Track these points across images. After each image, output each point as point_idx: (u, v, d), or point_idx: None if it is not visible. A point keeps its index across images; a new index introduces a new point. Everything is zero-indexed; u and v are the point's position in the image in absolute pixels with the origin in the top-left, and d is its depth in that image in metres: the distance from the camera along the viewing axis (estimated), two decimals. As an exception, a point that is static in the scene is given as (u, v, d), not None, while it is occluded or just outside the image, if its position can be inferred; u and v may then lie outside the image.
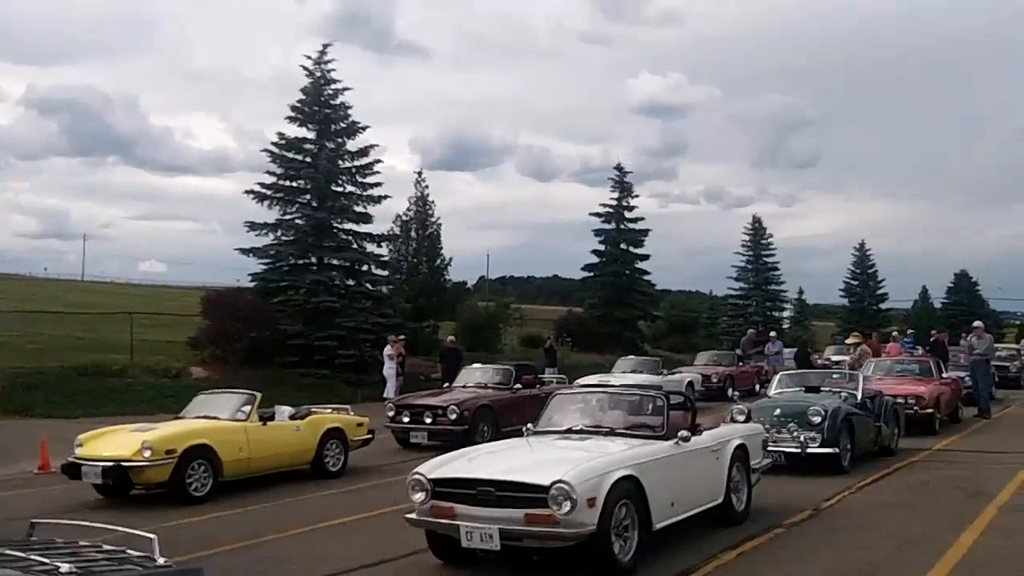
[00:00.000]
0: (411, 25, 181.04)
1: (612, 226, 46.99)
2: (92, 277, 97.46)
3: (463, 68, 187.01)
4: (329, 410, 14.67)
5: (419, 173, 36.57)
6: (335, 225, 30.35)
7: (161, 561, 4.52)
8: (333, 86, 30.25)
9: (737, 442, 9.66)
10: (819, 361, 23.51)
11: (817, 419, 12.80)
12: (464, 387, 18.06)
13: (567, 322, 44.61)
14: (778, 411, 13.24)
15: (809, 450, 12.63)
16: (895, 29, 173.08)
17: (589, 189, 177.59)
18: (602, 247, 47.08)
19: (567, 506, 7.15)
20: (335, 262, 30.25)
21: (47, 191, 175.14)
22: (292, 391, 26.46)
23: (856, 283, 70.18)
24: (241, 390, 13.99)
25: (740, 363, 28.68)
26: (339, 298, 28.82)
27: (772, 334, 31.68)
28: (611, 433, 8.73)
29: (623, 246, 46.97)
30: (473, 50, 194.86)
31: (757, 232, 61.55)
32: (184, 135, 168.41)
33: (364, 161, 30.87)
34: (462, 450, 8.69)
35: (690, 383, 24.42)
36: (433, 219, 36.42)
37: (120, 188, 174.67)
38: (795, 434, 12.75)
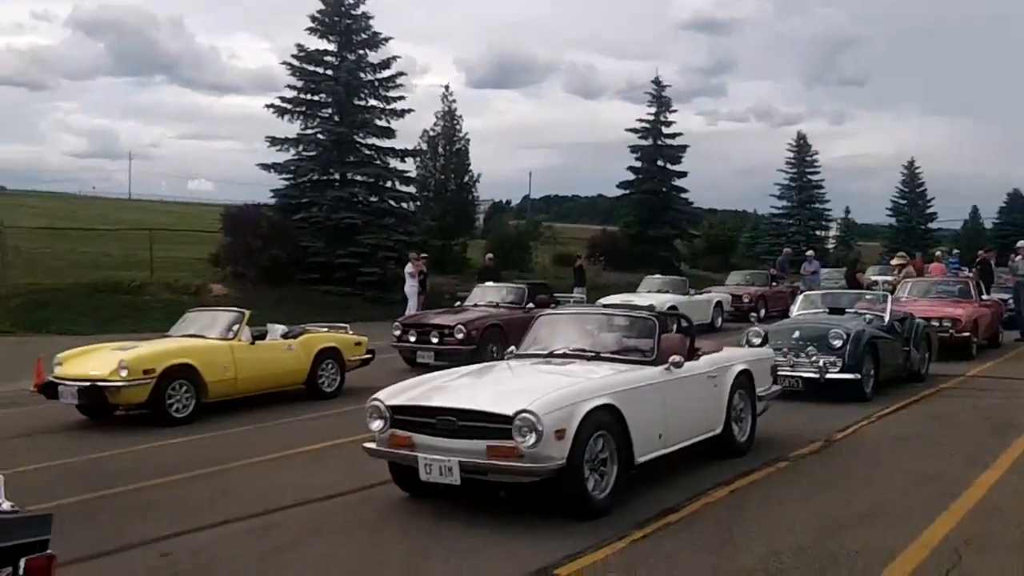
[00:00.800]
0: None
1: (649, 142, 45.58)
2: (139, 195, 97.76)
3: None
4: (325, 329, 14.04)
5: (446, 87, 35.71)
6: (357, 140, 29.54)
7: (6, 506, 3.85)
8: (354, -5, 29.19)
9: (740, 367, 8.85)
10: (866, 282, 22.44)
11: (838, 343, 11.94)
12: (475, 306, 17.38)
13: (600, 241, 43.63)
14: (797, 334, 12.39)
15: (829, 375, 11.80)
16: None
17: (635, 107, 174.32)
18: (638, 164, 45.74)
19: (532, 438, 6.44)
20: (358, 178, 29.47)
21: (95, 111, 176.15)
22: (312, 309, 26.03)
23: (904, 202, 68.29)
24: (230, 308, 13.38)
25: (774, 283, 27.66)
26: (361, 215, 28.14)
27: (809, 253, 30.50)
28: (596, 358, 7.96)
29: (660, 163, 45.60)
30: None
31: (801, 149, 59.88)
32: (230, 55, 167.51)
33: (387, 73, 29.88)
34: (431, 375, 7.98)
35: (718, 304, 23.54)
36: (461, 135, 35.42)
37: (167, 108, 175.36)
38: (814, 358, 11.92)
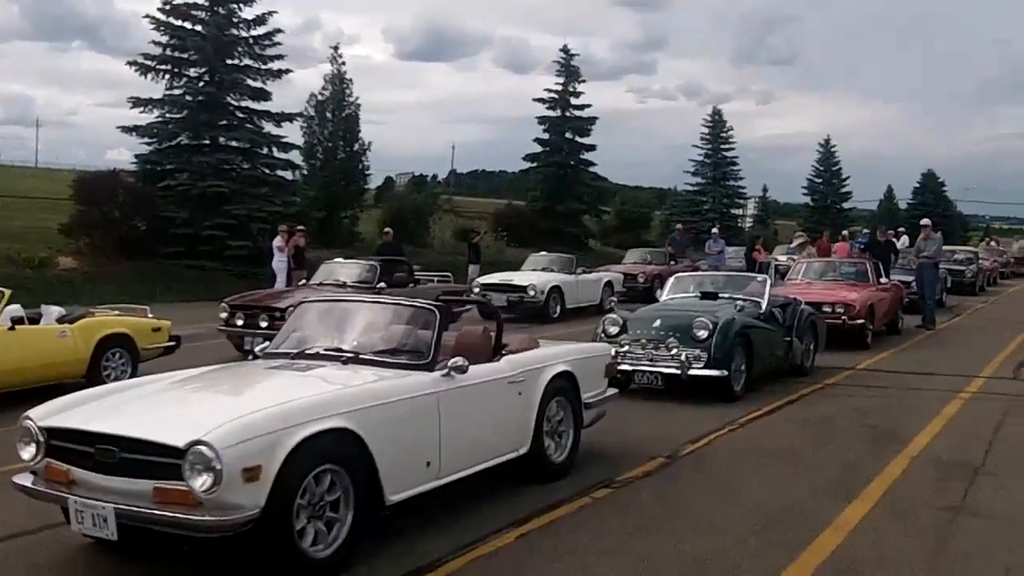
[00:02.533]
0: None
1: (557, 114, 43.78)
2: (52, 164, 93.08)
3: None
4: (115, 312, 11.95)
5: (335, 48, 33.20)
6: (230, 102, 27.15)
7: None
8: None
9: (558, 369, 7.04)
10: (762, 261, 20.87)
11: (703, 333, 10.24)
12: (320, 285, 15.41)
13: (505, 216, 41.81)
14: (658, 322, 10.66)
15: (692, 371, 10.11)
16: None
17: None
18: (546, 136, 43.93)
19: (207, 479, 4.57)
20: (230, 143, 27.12)
21: (10, 76, 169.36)
22: (176, 284, 23.83)
23: (820, 181, 67.79)
24: (-13, 287, 11.19)
25: (672, 262, 26.10)
26: (230, 183, 25.83)
27: (714, 231, 28.93)
28: (355, 359, 6.08)
29: (568, 135, 43.84)
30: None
31: (716, 125, 58.69)
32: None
33: (262, 30, 27.52)
34: (127, 381, 6.04)
35: (608, 283, 21.83)
36: (351, 99, 33.16)
37: (86, 75, 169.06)
38: (675, 351, 10.21)
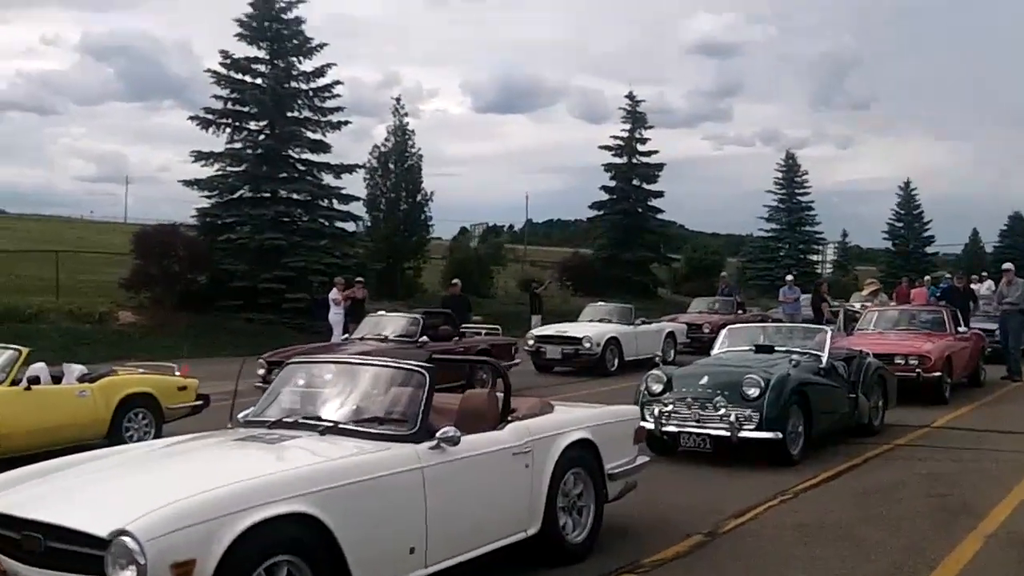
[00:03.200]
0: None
1: (624, 160, 43.13)
2: (140, 219, 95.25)
3: (516, 9, 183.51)
4: (140, 371, 11.51)
5: (397, 100, 33.05)
6: (291, 155, 27.11)
7: None
8: (285, -1, 26.82)
9: (574, 437, 6.30)
10: (829, 310, 19.72)
11: (754, 391, 9.37)
12: (362, 339, 14.88)
13: (571, 264, 41.13)
14: (705, 379, 9.83)
15: (742, 434, 9.24)
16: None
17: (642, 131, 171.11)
18: (612, 183, 43.28)
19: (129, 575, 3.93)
20: (293, 196, 27.01)
21: (104, 135, 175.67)
22: (231, 338, 23.62)
23: (900, 225, 65.74)
24: (5, 345, 10.83)
25: (739, 311, 25.10)
26: (288, 235, 25.66)
27: (789, 277, 27.77)
28: (333, 430, 5.43)
29: (635, 182, 43.14)
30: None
31: (790, 169, 57.43)
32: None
33: (321, 83, 27.49)
34: (80, 455, 5.46)
35: (671, 334, 20.95)
36: (413, 150, 32.97)
37: (175, 132, 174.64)
38: (724, 411, 9.36)
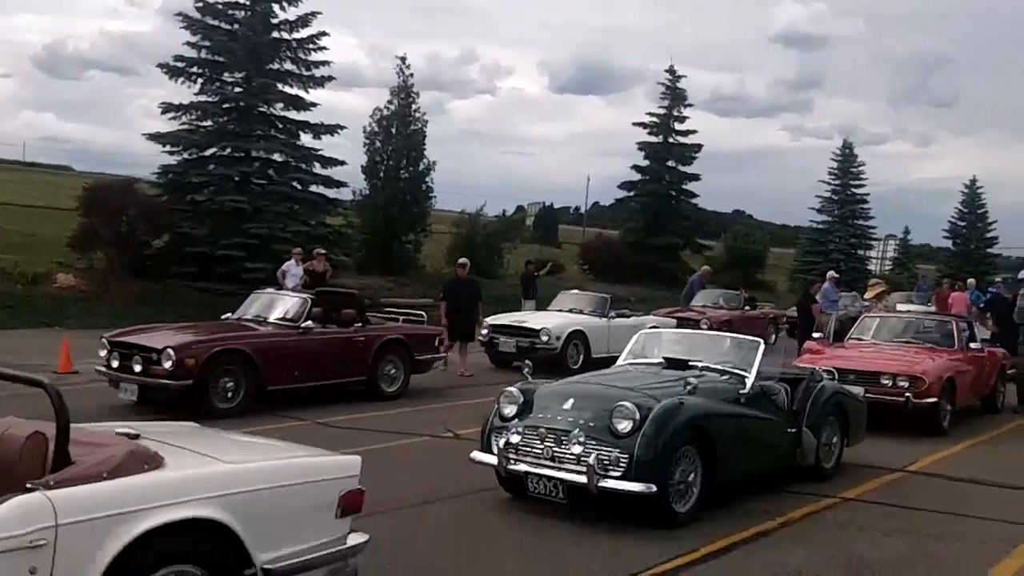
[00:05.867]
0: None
1: (659, 139, 40.19)
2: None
3: None
4: None
5: (402, 59, 30.39)
6: (264, 111, 24.78)
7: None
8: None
9: (173, 516, 3.81)
10: (823, 313, 16.66)
11: (625, 425, 6.79)
12: (239, 320, 12.52)
13: (592, 248, 38.42)
14: (570, 403, 7.23)
15: (605, 483, 6.66)
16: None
17: (718, 119, 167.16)
18: (645, 163, 40.36)
19: None
20: (268, 156, 24.69)
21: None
22: (180, 308, 21.42)
23: (963, 224, 61.60)
24: None
25: (747, 308, 22.29)
26: (253, 198, 23.38)
27: (830, 273, 24.48)
28: None
29: (670, 163, 40.18)
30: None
31: (846, 159, 53.69)
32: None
33: (304, 33, 25.06)
34: None
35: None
36: (418, 115, 30.44)
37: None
38: (582, 450, 6.80)
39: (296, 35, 25.09)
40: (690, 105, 40.49)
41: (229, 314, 12.97)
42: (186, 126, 24.26)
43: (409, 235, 30.31)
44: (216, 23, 24.45)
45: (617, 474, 6.67)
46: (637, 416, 6.74)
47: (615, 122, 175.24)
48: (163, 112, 24.30)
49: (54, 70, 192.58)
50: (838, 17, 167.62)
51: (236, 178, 23.54)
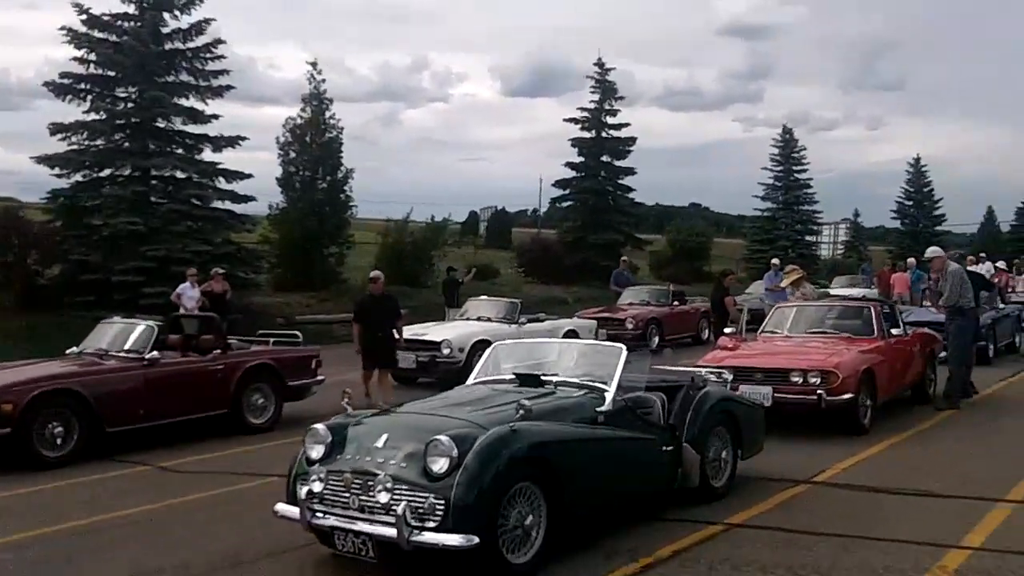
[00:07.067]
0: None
1: (592, 134, 39.13)
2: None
3: None
4: None
5: (313, 65, 28.98)
6: (158, 125, 23.39)
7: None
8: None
9: None
10: (735, 307, 15.42)
11: (440, 464, 5.59)
12: (80, 354, 11.27)
13: (528, 250, 37.30)
14: (383, 438, 6.01)
15: (419, 536, 5.45)
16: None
17: (671, 114, 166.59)
18: (579, 159, 39.27)
19: None
20: (164, 174, 23.33)
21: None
22: (74, 340, 20.00)
23: (910, 203, 61.22)
24: None
25: (675, 303, 21.21)
26: (148, 218, 22.00)
27: (775, 261, 23.38)
28: None
29: (604, 158, 39.13)
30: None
31: (787, 145, 53.00)
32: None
33: (199, 42, 23.74)
34: None
35: (569, 335, 17.02)
36: (333, 121, 29.10)
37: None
38: (392, 497, 5.59)
39: (191, 44, 23.76)
40: (621, 98, 39.51)
41: (75, 348, 11.64)
42: (75, 146, 22.81)
43: (330, 247, 28.98)
44: (104, 36, 23.06)
45: (433, 524, 5.47)
46: (455, 452, 5.54)
47: (566, 123, 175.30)
48: (52, 133, 22.88)
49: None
50: (783, 6, 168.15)
51: (129, 198, 22.11)
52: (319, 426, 6.27)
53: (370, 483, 5.70)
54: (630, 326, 19.50)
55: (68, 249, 21.78)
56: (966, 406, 11.97)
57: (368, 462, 5.85)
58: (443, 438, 5.60)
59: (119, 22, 23.14)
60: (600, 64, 39.05)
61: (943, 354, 12.64)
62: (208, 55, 23.89)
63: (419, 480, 5.60)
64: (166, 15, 23.48)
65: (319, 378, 12.41)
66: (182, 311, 17.92)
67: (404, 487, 5.59)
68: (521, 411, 5.92)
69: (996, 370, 15.39)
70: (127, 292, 21.11)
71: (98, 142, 23.02)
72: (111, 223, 21.55)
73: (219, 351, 11.35)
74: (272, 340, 12.49)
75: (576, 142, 39.23)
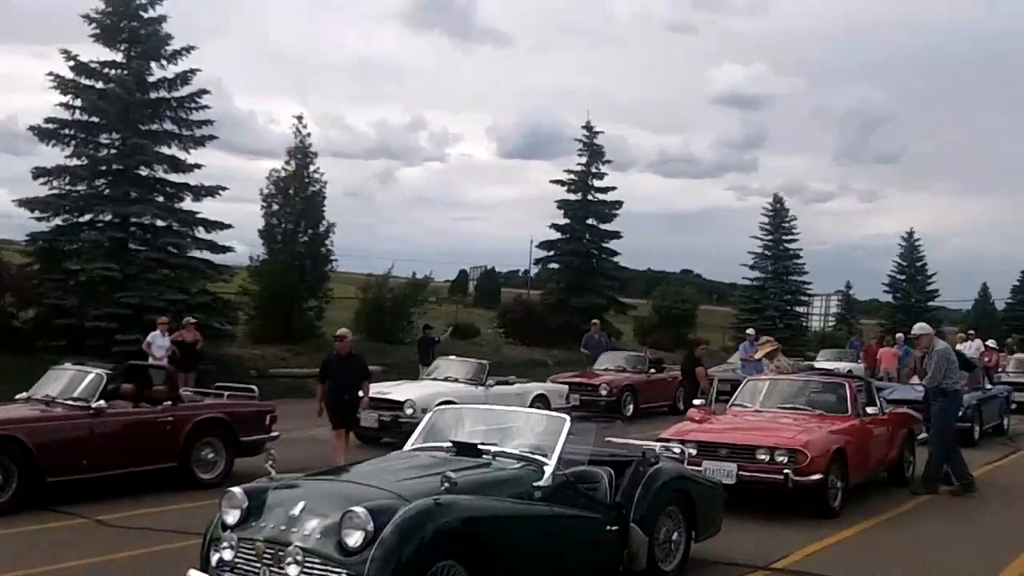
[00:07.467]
0: (492, 11, 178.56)
1: (578, 197, 39.09)
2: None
3: (544, 55, 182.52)
4: None
5: (299, 118, 28.90)
6: (140, 173, 23.24)
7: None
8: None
9: None
10: (706, 378, 15.17)
11: (356, 538, 5.25)
12: (28, 399, 10.94)
13: (510, 311, 37.03)
14: (300, 506, 5.67)
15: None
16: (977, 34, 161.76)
17: (665, 180, 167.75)
18: (564, 221, 39.19)
19: None
20: (143, 221, 23.14)
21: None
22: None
23: (903, 277, 61.08)
24: None
25: (652, 370, 20.90)
26: (125, 265, 21.74)
27: (749, 331, 23.41)
28: None
29: (590, 221, 39.05)
30: (555, 37, 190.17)
31: (778, 215, 52.99)
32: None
33: (185, 92, 23.67)
34: None
35: (539, 399, 16.65)
36: (316, 175, 28.94)
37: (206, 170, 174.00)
38: (304, 570, 5.25)
39: (176, 93, 23.70)
40: (608, 161, 39.53)
41: (24, 393, 11.32)
42: (57, 190, 22.65)
43: (310, 300, 28.69)
44: (90, 83, 23.01)
45: (342, 609, 5.12)
46: (370, 525, 5.21)
47: (558, 186, 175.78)
48: (34, 177, 22.74)
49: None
50: (779, 76, 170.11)
51: (107, 244, 21.90)
52: (236, 489, 5.94)
53: (281, 554, 5.37)
54: (604, 392, 19.18)
55: (44, 292, 21.49)
56: (945, 492, 11.59)
57: (282, 531, 5.51)
58: (359, 510, 5.27)
59: (106, 69, 23.08)
60: (588, 127, 39.14)
61: (922, 435, 12.32)
62: (192, 105, 23.83)
63: (332, 554, 5.27)
64: (153, 64, 23.38)
65: (274, 434, 12.03)
66: (151, 360, 17.66)
67: (316, 560, 5.26)
68: (446, 484, 5.59)
69: (982, 452, 14.98)
70: (100, 338, 20.78)
71: (79, 187, 22.87)
72: (88, 268, 21.30)
73: (170, 403, 11.02)
74: (227, 394, 12.15)
75: (562, 204, 39.16)
